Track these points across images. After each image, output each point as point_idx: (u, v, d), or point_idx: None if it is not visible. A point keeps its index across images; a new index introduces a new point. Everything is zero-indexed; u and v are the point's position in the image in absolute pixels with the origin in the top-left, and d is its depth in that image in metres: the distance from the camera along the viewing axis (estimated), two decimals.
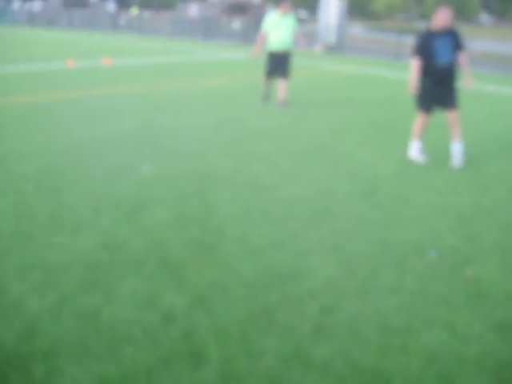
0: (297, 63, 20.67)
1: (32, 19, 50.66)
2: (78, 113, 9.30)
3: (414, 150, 7.21)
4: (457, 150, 7.00)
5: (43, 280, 3.69)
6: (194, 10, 51.80)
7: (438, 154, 7.37)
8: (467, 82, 6.94)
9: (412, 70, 6.94)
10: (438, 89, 6.97)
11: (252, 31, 33.68)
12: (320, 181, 6.12)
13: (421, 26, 64.97)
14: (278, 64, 10.48)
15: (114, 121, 8.77)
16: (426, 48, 6.85)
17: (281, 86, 10.61)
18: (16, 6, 65.03)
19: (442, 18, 6.76)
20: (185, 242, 4.37)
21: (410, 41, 27.91)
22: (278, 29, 10.34)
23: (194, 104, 10.65)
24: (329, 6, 27.91)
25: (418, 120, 7.24)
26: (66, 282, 3.68)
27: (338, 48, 27.45)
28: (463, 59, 6.86)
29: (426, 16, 77.72)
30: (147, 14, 50.66)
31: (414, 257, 4.26)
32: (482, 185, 6.29)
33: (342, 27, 28.06)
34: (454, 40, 6.82)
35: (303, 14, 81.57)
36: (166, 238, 4.43)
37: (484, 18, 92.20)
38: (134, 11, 49.78)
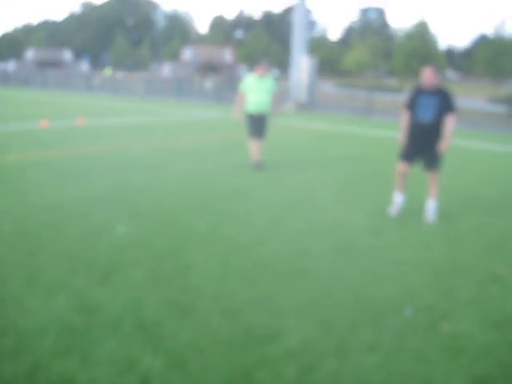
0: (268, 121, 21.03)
1: (6, 79, 50.93)
2: (51, 173, 9.28)
3: (393, 203, 7.42)
4: (432, 206, 7.15)
5: (17, 345, 3.62)
6: (166, 70, 52.57)
7: (411, 207, 7.47)
8: (441, 143, 6.99)
9: (401, 121, 7.23)
10: (418, 144, 7.14)
11: (224, 90, 34.25)
12: (295, 238, 6.15)
13: (389, 82, 66.75)
14: (256, 125, 10.41)
15: (87, 181, 8.76)
16: (412, 103, 7.12)
17: (256, 147, 10.47)
18: None
19: (425, 77, 7.00)
20: (161, 302, 4.33)
21: (378, 97, 28.76)
22: (255, 91, 10.25)
23: (167, 162, 10.70)
24: (300, 65, 28.59)
25: (397, 169, 7.38)
26: (40, 346, 3.61)
27: (309, 105, 27.98)
28: (448, 120, 6.94)
29: (394, 72, 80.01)
30: (121, 74, 51.30)
31: (390, 314, 4.27)
32: (456, 239, 6.37)
33: (313, 85, 28.68)
34: (440, 100, 6.97)
35: (275, 72, 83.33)
36: (141, 298, 4.39)
37: (450, 74, 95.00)
38: (108, 71, 50.37)
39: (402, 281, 4.99)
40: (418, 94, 7.09)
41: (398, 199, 7.38)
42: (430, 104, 6.96)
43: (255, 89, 10.26)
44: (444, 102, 6.96)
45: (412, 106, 7.12)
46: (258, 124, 10.38)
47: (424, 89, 7.05)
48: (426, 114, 6.97)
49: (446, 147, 6.98)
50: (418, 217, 7.18)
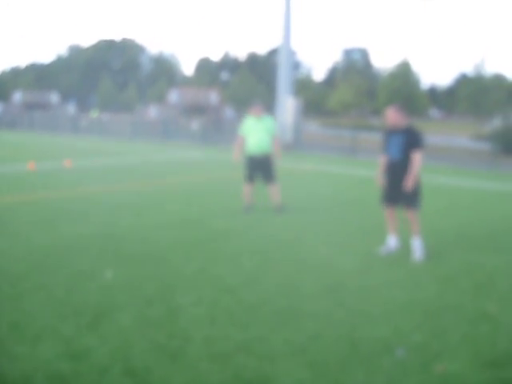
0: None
1: None
2: (37, 216, 9.22)
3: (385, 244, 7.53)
4: (416, 245, 7.18)
5: None
6: (153, 112, 52.90)
7: (401, 246, 7.49)
8: (406, 180, 7.01)
9: (379, 165, 7.39)
10: (392, 184, 7.24)
11: (210, 131, 34.47)
12: (284, 279, 6.12)
13: (374, 121, 67.57)
14: (259, 169, 10.23)
15: (75, 223, 8.71)
16: (384, 144, 7.32)
17: (271, 192, 10.37)
18: None
19: (388, 117, 7.15)
20: (149, 347, 4.28)
21: (364, 136, 29.05)
22: (254, 133, 10.10)
23: (154, 204, 10.69)
24: (285, 106, 28.89)
25: (385, 214, 7.47)
26: None
27: (295, 146, 28.18)
28: (413, 156, 7.01)
29: (379, 112, 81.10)
30: (107, 116, 51.52)
31: (382, 355, 4.24)
32: (445, 278, 6.38)
33: (299, 125, 28.94)
34: (407, 138, 7.08)
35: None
36: (130, 344, 4.33)
37: (434, 112, 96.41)
38: (94, 113, 50.63)
39: (392, 321, 4.97)
40: (388, 136, 7.31)
41: (390, 241, 7.44)
42: (397, 143, 7.11)
43: (254, 130, 10.13)
44: (410, 140, 7.07)
45: (384, 147, 7.29)
46: (262, 167, 10.21)
47: (393, 129, 7.21)
48: (395, 154, 7.13)
49: (411, 183, 6.99)
50: (405, 256, 7.19)
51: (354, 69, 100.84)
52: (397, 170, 7.16)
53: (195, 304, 5.25)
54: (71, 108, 73.76)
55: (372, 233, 8.38)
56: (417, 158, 7.01)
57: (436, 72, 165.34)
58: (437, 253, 7.40)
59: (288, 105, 28.73)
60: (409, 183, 7.00)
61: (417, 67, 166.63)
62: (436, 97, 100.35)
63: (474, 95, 74.69)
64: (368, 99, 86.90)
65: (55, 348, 4.21)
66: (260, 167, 10.22)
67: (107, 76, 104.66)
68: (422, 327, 4.84)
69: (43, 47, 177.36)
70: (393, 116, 7.13)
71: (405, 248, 7.44)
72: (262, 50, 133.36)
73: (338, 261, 6.96)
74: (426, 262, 6.96)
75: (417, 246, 7.16)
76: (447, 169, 19.93)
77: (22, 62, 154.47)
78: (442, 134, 39.38)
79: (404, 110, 7.20)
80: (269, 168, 10.27)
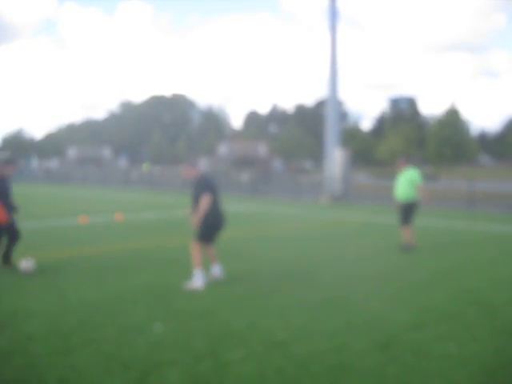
0: (303, 214, 21.09)
1: (49, 176, 52.68)
2: (89, 270, 9.32)
3: None
4: None
5: None
6: (203, 165, 53.71)
7: (458, 301, 7.26)
8: None
9: None
10: None
11: (260, 183, 34.69)
12: (334, 334, 5.97)
13: (424, 170, 66.80)
14: (402, 213, 12.01)
15: (125, 277, 8.76)
16: None
17: (403, 232, 12.10)
18: (34, 163, 68.02)
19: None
20: None
21: None
22: (399, 183, 12.06)
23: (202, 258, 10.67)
24: (333, 157, 28.89)
25: None
26: None
27: (344, 197, 28.04)
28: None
29: (428, 160, 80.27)
30: (158, 169, 52.51)
31: None
32: (503, 331, 6.12)
33: (347, 176, 28.85)
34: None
35: (308, 164, 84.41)
36: None
37: (484, 158, 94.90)
38: (146, 167, 51.55)
39: (448, 377, 4.75)
40: None
41: None
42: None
43: (399, 182, 12.13)
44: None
45: None
46: (403, 211, 11.99)
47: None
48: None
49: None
50: (461, 309, 6.94)
51: (402, 118, 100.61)
52: None
53: (244, 360, 5.15)
54: (123, 162, 75.64)
55: (426, 283, 8.15)
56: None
57: (485, 116, 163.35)
58: (492, 304, 7.13)
59: (336, 156, 28.74)
60: None
61: (465, 112, 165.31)
62: (486, 143, 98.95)
63: None
64: (417, 148, 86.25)
65: None
66: (403, 211, 12.01)
67: (158, 130, 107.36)
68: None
69: (97, 104, 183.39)
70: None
71: (458, 300, 7.19)
72: (309, 101, 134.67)
73: (389, 314, 6.76)
74: (482, 315, 6.69)
75: None
76: (499, 216, 19.41)
77: (77, 118, 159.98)
78: (494, 181, 38.58)
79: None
80: (405, 212, 11.97)
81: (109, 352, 5.34)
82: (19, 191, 33.21)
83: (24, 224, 16.06)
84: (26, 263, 8.87)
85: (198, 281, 8.05)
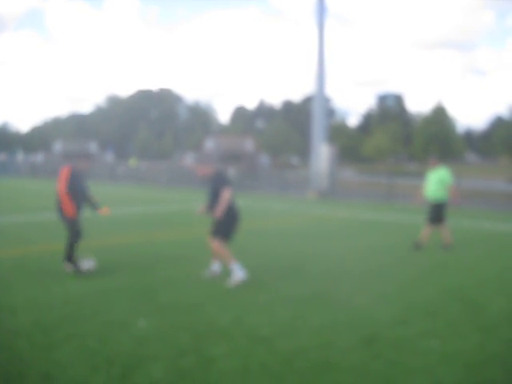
0: (289, 209, 21.13)
1: (34, 170, 52.30)
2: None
3: None
4: None
5: None
6: (189, 160, 53.57)
7: (442, 297, 7.30)
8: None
9: None
10: None
11: (246, 178, 34.69)
12: (319, 331, 5.99)
13: (410, 166, 67.13)
14: (432, 212, 11.83)
15: (110, 272, 8.72)
16: None
17: (441, 232, 11.90)
18: (19, 158, 67.54)
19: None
20: None
21: (400, 182, 28.84)
22: (430, 182, 11.93)
23: (192, 253, 10.66)
24: (320, 153, 28.95)
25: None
26: None
27: (330, 193, 28.11)
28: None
29: (414, 157, 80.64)
30: (145, 164, 52.35)
31: None
32: (486, 328, 6.16)
33: (334, 172, 28.93)
34: None
35: (295, 160, 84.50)
36: None
37: (470, 156, 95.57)
38: (133, 162, 51.38)
39: (432, 374, 4.79)
40: None
41: None
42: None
43: (430, 180, 11.97)
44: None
45: None
46: (434, 210, 11.81)
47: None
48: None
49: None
50: (445, 306, 6.99)
51: (389, 115, 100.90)
52: None
53: (228, 355, 5.15)
54: (109, 156, 75.27)
55: (410, 281, 8.20)
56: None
57: (471, 114, 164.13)
58: (477, 301, 7.19)
59: (323, 152, 28.80)
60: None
61: (452, 110, 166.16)
62: (472, 141, 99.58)
63: (509, 138, 74.00)
64: (403, 145, 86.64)
65: None
66: (432, 210, 11.84)
67: (145, 125, 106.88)
68: (462, 380, 4.65)
69: (83, 98, 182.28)
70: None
71: (442, 296, 7.24)
72: (296, 97, 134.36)
73: (373, 311, 6.79)
74: (466, 311, 6.75)
75: None
76: (485, 212, 19.55)
77: (63, 112, 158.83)
78: (479, 178, 38.91)
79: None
80: (437, 213, 11.79)
81: (93, 347, 5.32)
82: (4, 185, 32.95)
83: (9, 218, 15.96)
84: (87, 263, 8.71)
85: (238, 274, 8.03)
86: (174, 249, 11.15)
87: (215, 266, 8.55)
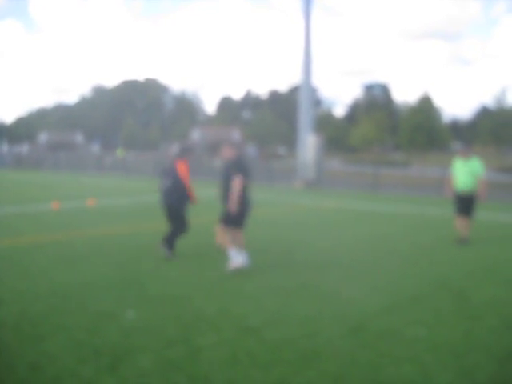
0: (276, 199, 21.15)
1: (19, 161, 51.91)
2: (61, 256, 9.23)
3: None
4: None
5: None
6: (175, 150, 53.52)
7: (428, 283, 7.35)
8: None
9: None
10: None
11: None
12: (307, 320, 6.02)
13: (396, 156, 67.28)
14: (464, 204, 11.30)
15: (97, 264, 8.70)
16: None
17: (464, 225, 11.35)
18: (4, 149, 67.01)
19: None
20: None
21: (385, 172, 28.96)
22: (460, 173, 11.32)
23: (179, 244, 10.63)
24: (307, 143, 28.97)
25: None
26: None
27: (317, 183, 28.16)
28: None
29: (400, 147, 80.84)
30: (131, 155, 52.14)
31: None
32: (472, 316, 6.22)
33: (320, 162, 28.96)
34: None
35: (282, 150, 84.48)
36: None
37: (456, 145, 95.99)
38: (121, 153, 51.14)
39: (418, 361, 4.83)
40: None
41: None
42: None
43: (460, 171, 11.37)
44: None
45: None
46: (464, 203, 11.33)
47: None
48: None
49: None
50: (431, 295, 7.04)
51: (375, 104, 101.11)
52: None
53: (216, 345, 5.17)
54: (95, 147, 74.87)
55: (397, 271, 8.25)
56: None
57: (457, 104, 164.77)
58: (462, 290, 7.25)
59: (309, 142, 28.82)
60: None
61: (437, 100, 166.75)
62: (458, 130, 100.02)
63: (494, 128, 74.46)
64: (389, 134, 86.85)
65: None
66: (463, 202, 11.34)
67: (131, 115, 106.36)
68: (449, 368, 4.70)
69: (68, 89, 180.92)
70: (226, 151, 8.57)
71: (429, 286, 7.29)
72: (283, 87, 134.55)
73: (361, 300, 6.83)
74: (453, 301, 6.81)
75: None
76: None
77: (48, 103, 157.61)
78: None
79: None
80: (470, 205, 11.33)
81: (80, 338, 5.31)
82: None
83: None
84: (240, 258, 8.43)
85: (236, 259, 8.03)
86: (159, 240, 11.11)
87: (243, 255, 8.24)
